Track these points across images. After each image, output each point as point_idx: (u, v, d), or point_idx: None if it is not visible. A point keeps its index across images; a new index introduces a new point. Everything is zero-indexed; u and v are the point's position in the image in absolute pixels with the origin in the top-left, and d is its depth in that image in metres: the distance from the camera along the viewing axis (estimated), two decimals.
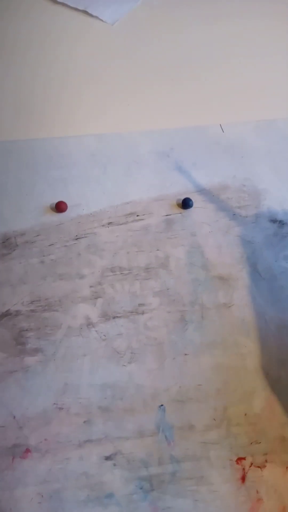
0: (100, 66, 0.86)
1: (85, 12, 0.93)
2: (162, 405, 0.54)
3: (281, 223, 0.68)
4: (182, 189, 0.71)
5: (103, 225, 0.67)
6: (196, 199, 0.69)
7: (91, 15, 0.92)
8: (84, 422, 0.53)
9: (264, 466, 0.52)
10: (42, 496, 0.50)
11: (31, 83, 0.83)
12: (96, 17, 0.92)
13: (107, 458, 0.52)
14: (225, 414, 0.54)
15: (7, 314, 0.59)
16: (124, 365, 0.57)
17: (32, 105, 0.81)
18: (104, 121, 0.79)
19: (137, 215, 0.68)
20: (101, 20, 0.92)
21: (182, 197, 0.69)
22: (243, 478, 0.51)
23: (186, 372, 0.57)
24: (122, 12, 0.93)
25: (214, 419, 0.54)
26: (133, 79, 0.85)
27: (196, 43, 0.90)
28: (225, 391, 0.55)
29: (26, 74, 0.84)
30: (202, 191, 0.71)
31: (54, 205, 0.67)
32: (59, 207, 0.67)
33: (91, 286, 0.62)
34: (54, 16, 0.92)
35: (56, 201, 0.68)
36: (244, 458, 0.52)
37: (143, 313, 0.60)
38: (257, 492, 0.50)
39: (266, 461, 0.52)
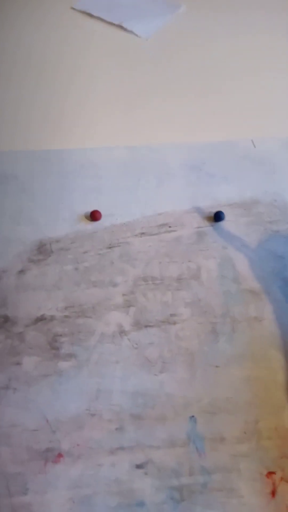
0: (133, 79, 0.88)
1: (120, 26, 0.95)
2: (193, 416, 0.55)
3: None
4: (213, 202, 0.72)
5: (135, 235, 0.68)
6: (228, 213, 0.70)
7: (125, 29, 0.95)
8: (116, 429, 0.54)
9: None
10: (73, 501, 0.50)
11: (66, 95, 0.85)
12: (131, 32, 0.95)
13: (138, 466, 0.52)
14: (256, 427, 0.54)
15: (42, 318, 0.60)
16: (156, 374, 0.57)
17: (66, 116, 0.83)
18: (135, 134, 0.81)
19: (169, 226, 0.69)
20: (135, 34, 0.95)
21: (214, 210, 0.70)
22: (273, 493, 0.51)
23: (217, 383, 0.57)
24: (154, 27, 0.95)
25: (245, 432, 0.54)
26: (165, 93, 0.86)
27: (228, 58, 0.92)
28: (255, 404, 0.56)
29: (60, 87, 0.87)
30: (233, 205, 0.71)
31: (89, 214, 0.68)
32: (94, 216, 0.68)
33: (124, 295, 0.63)
34: (90, 30, 0.95)
35: (90, 210, 0.69)
36: (274, 473, 0.52)
37: (174, 323, 0.61)
38: None
39: None
